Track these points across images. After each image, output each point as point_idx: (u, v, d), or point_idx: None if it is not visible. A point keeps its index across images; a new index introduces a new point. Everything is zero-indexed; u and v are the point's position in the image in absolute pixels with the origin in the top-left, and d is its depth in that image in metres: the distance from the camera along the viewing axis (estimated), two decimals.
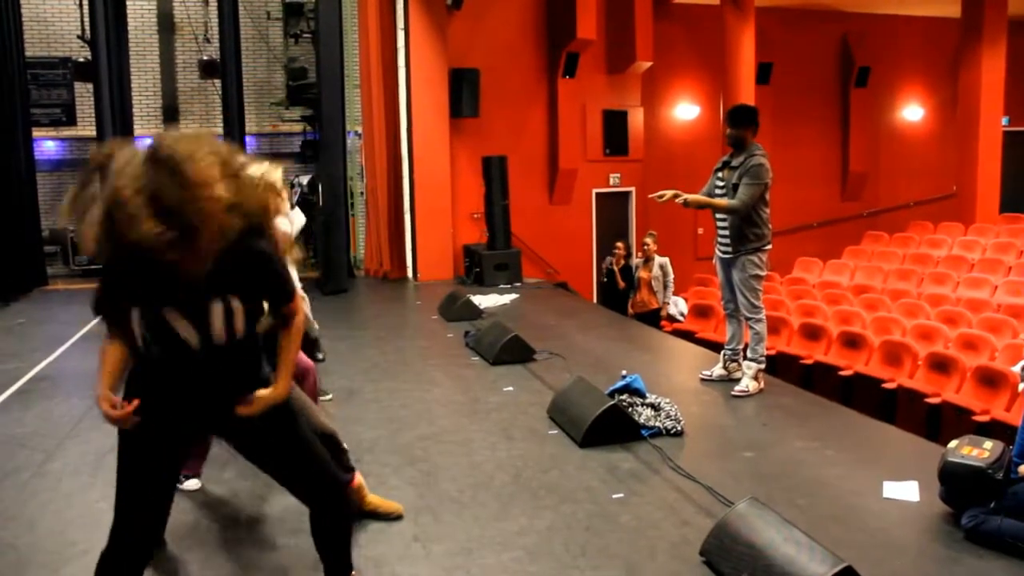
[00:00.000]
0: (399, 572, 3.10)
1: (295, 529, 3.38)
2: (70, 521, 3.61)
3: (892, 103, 15.53)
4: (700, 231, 13.58)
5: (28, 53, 11.43)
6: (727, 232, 5.34)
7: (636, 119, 12.96)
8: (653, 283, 9.34)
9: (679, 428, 4.60)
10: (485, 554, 3.23)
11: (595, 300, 11.84)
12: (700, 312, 9.95)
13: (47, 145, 12.47)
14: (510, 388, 5.65)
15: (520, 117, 12.10)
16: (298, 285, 3.28)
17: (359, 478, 3.50)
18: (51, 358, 6.91)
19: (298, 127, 13.38)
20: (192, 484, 3.88)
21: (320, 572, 2.71)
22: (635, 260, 9.85)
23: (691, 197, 5.25)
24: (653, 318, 9.25)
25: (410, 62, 10.93)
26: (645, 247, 9.48)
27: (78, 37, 11.82)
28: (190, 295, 2.25)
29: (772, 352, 7.54)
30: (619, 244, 10.02)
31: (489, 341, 6.55)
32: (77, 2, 11.61)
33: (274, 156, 10.92)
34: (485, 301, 9.04)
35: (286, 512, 3.59)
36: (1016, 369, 4.74)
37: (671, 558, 3.18)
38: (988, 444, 3.39)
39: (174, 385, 2.35)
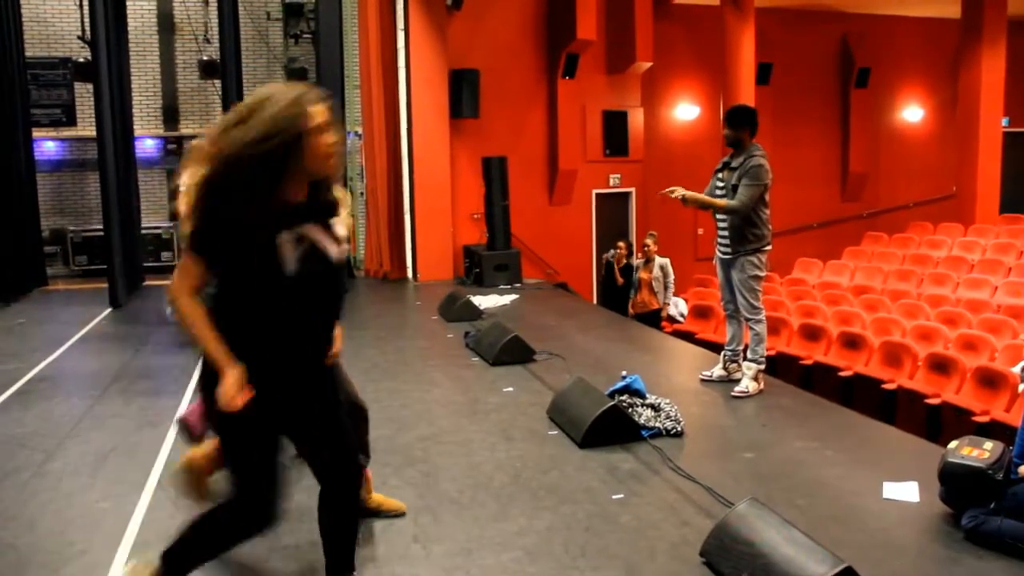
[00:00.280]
0: (399, 572, 3.10)
1: (295, 529, 3.38)
2: (70, 521, 3.62)
3: (892, 104, 15.54)
4: (700, 231, 13.59)
5: (28, 53, 11.44)
6: (727, 233, 5.35)
7: (636, 120, 12.96)
8: (653, 284, 9.34)
9: (679, 429, 4.60)
10: (485, 555, 3.23)
11: (595, 301, 11.84)
12: (700, 313, 9.95)
13: (47, 145, 12.47)
14: (510, 389, 5.65)
15: (520, 118, 12.10)
16: None
17: (368, 472, 3.51)
18: (51, 358, 6.91)
19: None
20: None
21: (321, 573, 2.71)
22: (636, 260, 9.86)
23: (690, 194, 5.26)
24: (653, 319, 9.25)
25: (410, 63, 10.93)
26: (645, 248, 9.48)
27: (78, 37, 11.81)
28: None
29: (772, 353, 7.54)
30: (621, 243, 10.05)
31: (489, 342, 6.55)
32: (77, 2, 11.60)
33: None
34: (485, 302, 9.04)
35: (287, 513, 3.59)
36: (1016, 370, 4.74)
37: (671, 559, 3.18)
38: (988, 445, 3.39)
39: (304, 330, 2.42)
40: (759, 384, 5.38)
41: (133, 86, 12.02)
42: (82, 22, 11.43)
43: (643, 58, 12.26)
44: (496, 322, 7.09)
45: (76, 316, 8.76)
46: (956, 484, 3.36)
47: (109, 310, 9.20)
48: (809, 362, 7.99)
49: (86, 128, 12.28)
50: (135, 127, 11.87)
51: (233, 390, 2.26)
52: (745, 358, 5.46)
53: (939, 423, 6.52)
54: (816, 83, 14.88)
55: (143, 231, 12.04)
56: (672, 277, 9.39)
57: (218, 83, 11.94)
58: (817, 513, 3.54)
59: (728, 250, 5.37)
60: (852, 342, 7.89)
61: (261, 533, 2.52)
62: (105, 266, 9.84)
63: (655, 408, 4.74)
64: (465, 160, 11.49)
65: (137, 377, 6.26)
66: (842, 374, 7.50)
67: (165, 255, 12.68)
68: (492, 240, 10.85)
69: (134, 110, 11.99)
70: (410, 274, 11.40)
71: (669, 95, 14.06)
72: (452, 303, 8.40)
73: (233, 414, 2.28)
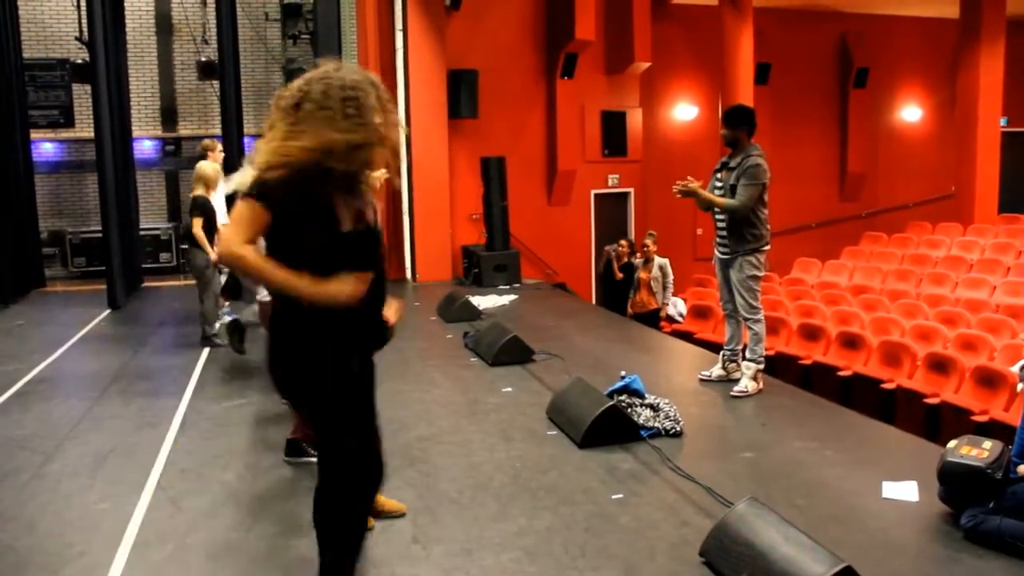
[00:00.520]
0: (399, 573, 3.10)
1: (295, 530, 3.38)
2: (69, 523, 3.61)
3: (891, 104, 15.55)
4: (699, 231, 13.58)
5: (26, 55, 11.43)
6: (725, 233, 5.36)
7: (635, 120, 12.96)
8: (652, 284, 9.35)
9: (678, 429, 4.59)
10: (484, 555, 3.23)
11: (594, 301, 11.84)
12: (699, 313, 9.96)
13: (45, 147, 12.47)
14: (509, 389, 5.64)
15: (519, 118, 12.10)
16: None
17: None
18: (50, 360, 6.91)
19: None
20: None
21: None
22: (635, 260, 9.86)
23: (693, 185, 5.27)
24: (652, 319, 9.25)
25: (408, 63, 10.92)
26: (645, 248, 9.49)
27: (76, 39, 11.80)
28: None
29: (771, 352, 7.54)
30: (624, 241, 10.06)
31: (488, 342, 6.55)
32: (75, 3, 11.59)
33: None
34: (484, 302, 9.04)
35: (287, 514, 3.59)
36: (1015, 369, 4.75)
37: (670, 559, 3.18)
38: (987, 444, 3.39)
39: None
40: (758, 384, 5.38)
41: (131, 87, 12.02)
42: (80, 23, 11.42)
43: (642, 58, 12.26)
44: (495, 322, 7.08)
45: (75, 317, 8.75)
46: (955, 483, 3.36)
47: (108, 311, 9.19)
48: (808, 362, 7.99)
49: (84, 129, 12.27)
50: (133, 128, 11.87)
51: (348, 282, 2.37)
52: (744, 358, 5.46)
53: (938, 423, 6.53)
54: (815, 83, 14.88)
55: (141, 232, 12.03)
56: (671, 277, 9.40)
57: (216, 84, 11.94)
58: (816, 513, 3.54)
59: (727, 250, 5.37)
60: (851, 342, 7.90)
61: (381, 485, 2.80)
62: (104, 267, 9.84)
63: (654, 408, 4.74)
64: (464, 160, 11.48)
65: (136, 378, 6.25)
66: (841, 374, 7.51)
67: (164, 256, 12.67)
68: (491, 240, 10.85)
69: (132, 111, 11.99)
70: (409, 274, 11.40)
71: (668, 95, 14.06)
72: (451, 303, 8.40)
73: (348, 378, 2.54)
